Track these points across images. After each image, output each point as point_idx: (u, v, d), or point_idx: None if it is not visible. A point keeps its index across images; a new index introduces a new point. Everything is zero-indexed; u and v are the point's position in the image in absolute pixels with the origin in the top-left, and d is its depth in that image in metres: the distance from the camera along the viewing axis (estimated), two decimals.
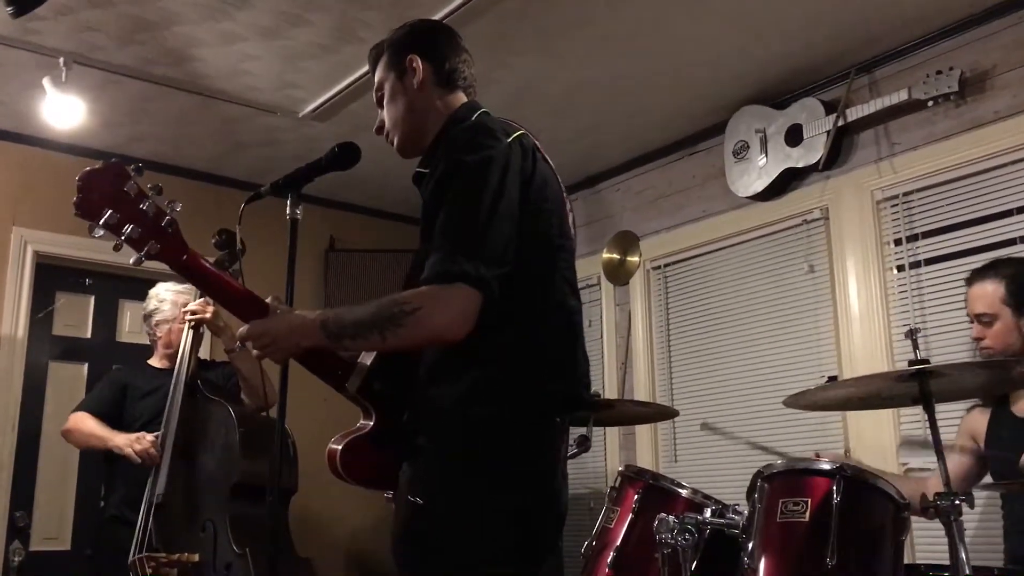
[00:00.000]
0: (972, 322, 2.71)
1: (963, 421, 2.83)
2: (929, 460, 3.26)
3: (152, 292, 3.57)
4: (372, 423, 1.86)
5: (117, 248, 1.81)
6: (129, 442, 3.20)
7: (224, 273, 1.93)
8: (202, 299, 3.35)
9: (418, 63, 1.97)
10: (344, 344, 1.79)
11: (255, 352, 1.84)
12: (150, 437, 3.20)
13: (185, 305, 3.42)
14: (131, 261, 1.80)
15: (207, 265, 1.88)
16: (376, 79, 2.05)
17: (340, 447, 1.84)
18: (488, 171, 1.73)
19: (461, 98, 2.02)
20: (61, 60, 3.59)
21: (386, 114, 2.02)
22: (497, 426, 1.73)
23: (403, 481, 1.79)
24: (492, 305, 1.70)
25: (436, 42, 2.03)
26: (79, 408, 3.45)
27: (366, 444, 1.85)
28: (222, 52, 3.61)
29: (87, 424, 3.35)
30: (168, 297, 3.51)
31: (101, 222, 1.77)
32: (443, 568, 1.71)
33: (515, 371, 1.75)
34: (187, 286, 3.48)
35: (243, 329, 1.84)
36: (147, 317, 3.57)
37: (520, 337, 1.77)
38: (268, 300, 1.88)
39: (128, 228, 1.77)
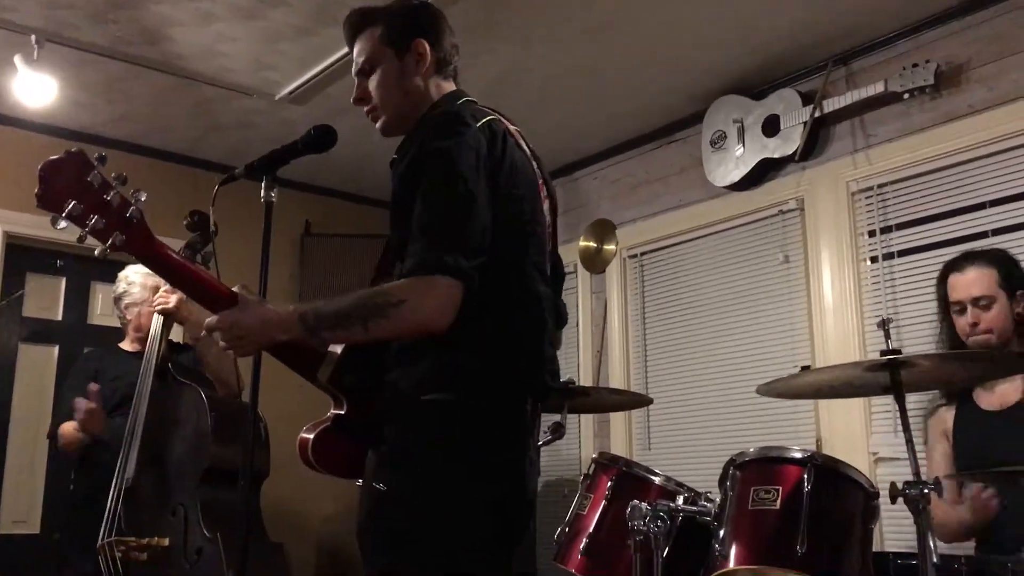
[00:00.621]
0: (961, 311, 2.69)
1: (932, 423, 2.83)
2: (900, 449, 3.29)
3: (121, 275, 3.51)
4: (343, 412, 1.85)
5: (81, 240, 1.76)
6: (77, 424, 3.15)
7: (192, 264, 1.90)
8: (167, 288, 3.30)
9: (425, 48, 1.95)
10: (323, 336, 1.76)
11: (222, 344, 1.80)
12: (84, 403, 3.09)
13: (156, 288, 3.37)
14: (96, 253, 1.76)
15: (174, 256, 1.84)
16: (364, 50, 1.98)
17: (311, 436, 1.83)
18: (460, 159, 1.73)
19: (452, 86, 2.02)
20: (33, 38, 3.53)
21: (376, 91, 1.97)
22: (465, 413, 1.73)
23: (369, 468, 1.79)
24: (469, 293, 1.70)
25: (440, 28, 2.01)
26: (61, 419, 3.34)
27: (336, 433, 1.84)
28: (198, 32, 3.57)
29: (67, 434, 3.27)
30: (137, 280, 3.46)
31: (64, 213, 1.72)
32: (407, 555, 1.70)
33: (488, 358, 1.75)
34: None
35: (211, 320, 1.79)
36: (117, 300, 3.52)
37: (493, 324, 1.76)
38: (236, 288, 1.83)
39: (92, 219, 1.72)
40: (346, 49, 2.07)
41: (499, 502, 1.74)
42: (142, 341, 3.40)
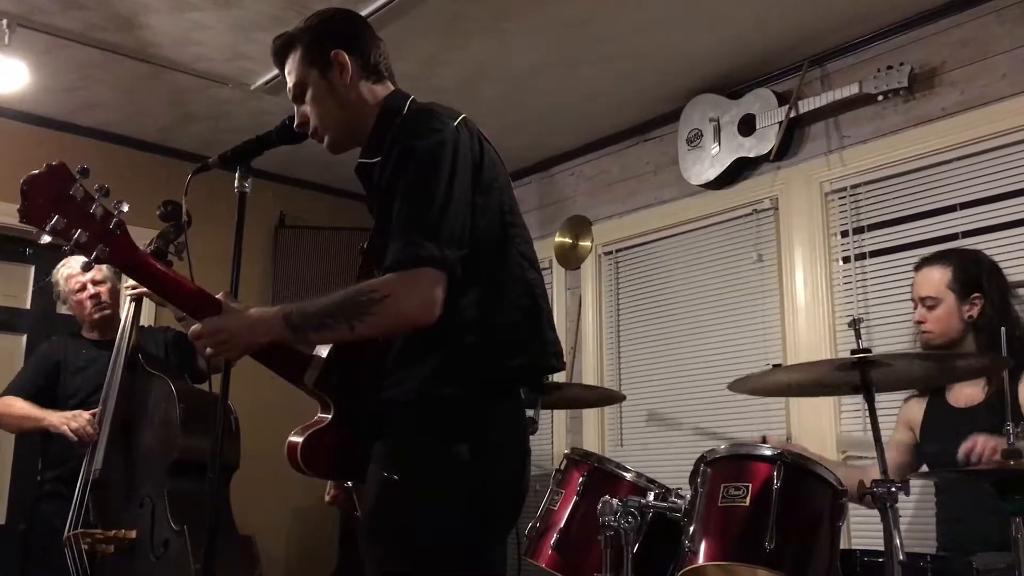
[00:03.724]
0: (916, 307, 2.77)
1: (901, 411, 2.89)
2: (867, 448, 3.32)
3: (52, 274, 3.52)
4: (331, 416, 1.85)
5: (70, 253, 1.77)
6: (64, 420, 3.14)
7: (175, 272, 1.89)
8: None
9: (344, 57, 1.93)
10: (309, 337, 1.77)
11: (208, 351, 1.80)
12: (87, 415, 3.14)
13: (69, 278, 3.41)
14: (80, 266, 1.77)
15: (157, 265, 1.85)
16: (292, 75, 1.97)
17: (300, 440, 1.82)
18: (440, 155, 1.74)
19: (388, 87, 2.00)
20: (4, 22, 3.48)
21: (313, 112, 1.96)
22: (461, 406, 1.74)
23: (378, 458, 1.78)
24: (453, 285, 1.71)
25: (356, 33, 2.00)
26: (6, 392, 3.37)
27: (326, 437, 1.84)
28: (172, 20, 3.53)
29: (16, 407, 3.28)
30: (60, 275, 3.47)
31: (48, 228, 1.72)
32: (414, 545, 1.71)
33: (479, 349, 1.76)
34: (74, 257, 3.44)
35: (196, 327, 1.80)
36: (57, 299, 3.56)
37: (481, 314, 1.77)
38: (219, 296, 1.83)
39: (76, 233, 1.73)
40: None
41: (502, 493, 1.78)
42: (100, 330, 3.41)
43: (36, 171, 1.73)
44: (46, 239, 1.75)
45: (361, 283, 1.73)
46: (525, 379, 1.83)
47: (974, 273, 2.71)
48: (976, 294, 2.67)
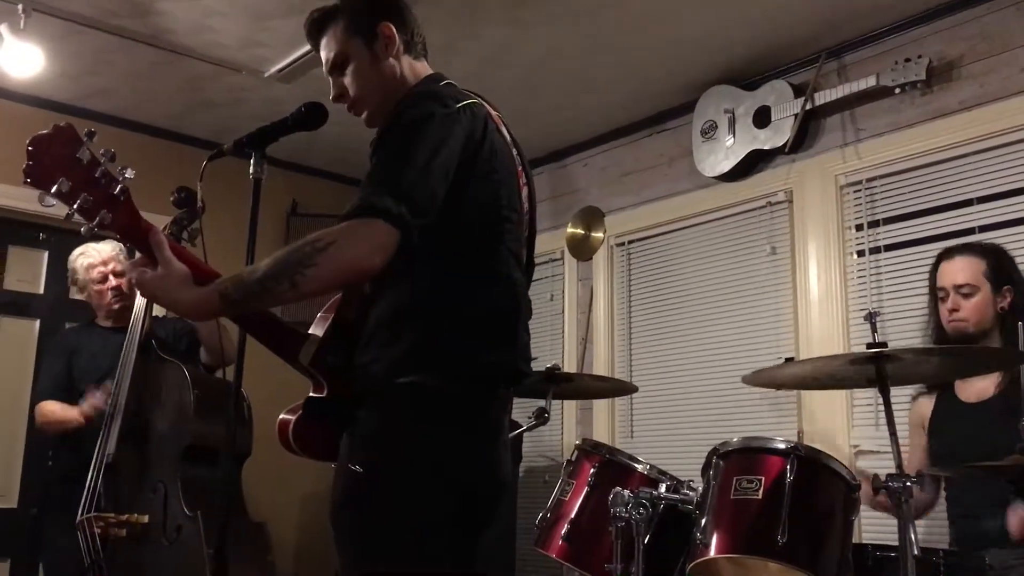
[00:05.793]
0: (944, 298, 2.73)
1: (911, 412, 2.87)
2: (881, 442, 3.31)
3: (69, 260, 3.52)
4: (323, 396, 1.84)
5: (69, 218, 1.73)
6: (81, 412, 3.17)
7: (176, 244, 1.87)
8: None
9: (391, 29, 1.93)
10: (251, 306, 1.70)
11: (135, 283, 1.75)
12: (97, 393, 3.14)
13: (90, 268, 3.41)
14: (82, 231, 1.73)
15: (160, 235, 1.83)
16: (333, 46, 1.95)
17: (292, 419, 1.81)
18: (425, 127, 1.72)
19: (427, 68, 2.00)
20: (19, 7, 3.48)
21: (353, 83, 1.95)
22: (438, 396, 1.72)
23: (343, 451, 1.78)
24: (433, 269, 1.70)
25: (402, 9, 1.99)
26: (39, 397, 3.39)
27: (316, 416, 1.83)
28: (187, 6, 3.53)
29: (52, 415, 3.30)
30: (79, 264, 3.47)
31: (53, 190, 1.68)
32: (380, 537, 1.70)
33: (461, 341, 1.75)
34: (98, 245, 3.43)
35: (135, 272, 1.74)
36: (72, 286, 3.55)
37: (460, 305, 1.76)
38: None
39: (80, 197, 1.69)
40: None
41: (470, 486, 1.75)
42: (114, 317, 3.41)
43: (43, 131, 1.69)
44: (50, 202, 1.72)
45: (308, 235, 1.66)
46: (497, 375, 1.80)
47: (1007, 265, 2.73)
48: (1008, 286, 2.68)
